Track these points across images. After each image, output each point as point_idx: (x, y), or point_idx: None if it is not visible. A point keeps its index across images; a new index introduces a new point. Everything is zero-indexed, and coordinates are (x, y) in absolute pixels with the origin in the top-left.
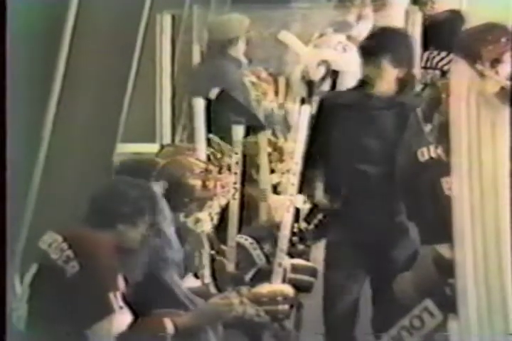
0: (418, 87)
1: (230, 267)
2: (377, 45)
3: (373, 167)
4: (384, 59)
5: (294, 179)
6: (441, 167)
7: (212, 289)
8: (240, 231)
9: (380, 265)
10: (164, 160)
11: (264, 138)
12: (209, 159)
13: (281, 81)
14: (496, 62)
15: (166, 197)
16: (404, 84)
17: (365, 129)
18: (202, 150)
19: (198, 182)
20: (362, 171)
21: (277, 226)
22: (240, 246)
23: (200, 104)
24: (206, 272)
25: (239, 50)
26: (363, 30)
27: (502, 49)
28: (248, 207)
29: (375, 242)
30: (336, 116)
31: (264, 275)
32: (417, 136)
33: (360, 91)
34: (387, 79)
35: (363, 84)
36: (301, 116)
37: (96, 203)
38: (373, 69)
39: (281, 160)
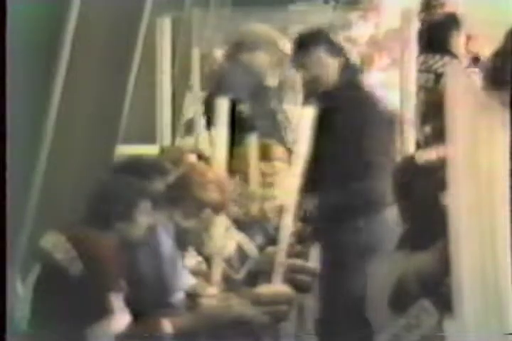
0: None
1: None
2: (309, 40)
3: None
4: (319, 50)
5: (295, 180)
6: (438, 169)
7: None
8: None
9: None
10: (174, 167)
11: (253, 140)
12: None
13: None
14: None
15: (177, 205)
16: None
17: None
18: (222, 152)
19: (212, 194)
20: None
21: (267, 219)
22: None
23: (224, 105)
24: (216, 276)
25: None
26: (362, 31)
27: None
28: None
29: None
30: None
31: (259, 272)
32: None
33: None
34: (330, 71)
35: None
36: (304, 118)
37: (91, 205)
38: (312, 62)
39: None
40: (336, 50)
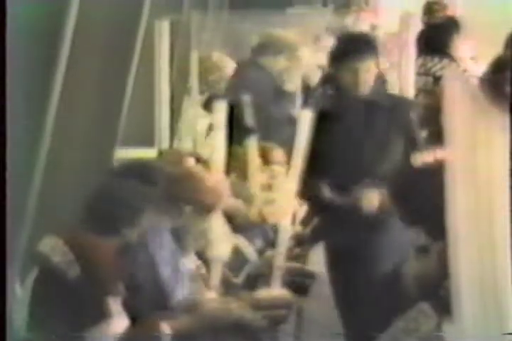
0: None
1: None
2: (365, 46)
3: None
4: (370, 59)
5: (294, 183)
6: (436, 172)
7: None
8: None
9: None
10: (171, 169)
11: (252, 143)
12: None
13: None
14: None
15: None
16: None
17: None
18: (220, 154)
19: (205, 195)
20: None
21: (267, 222)
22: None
23: (221, 108)
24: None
25: None
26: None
27: None
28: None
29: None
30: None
31: (258, 276)
32: (411, 141)
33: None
34: (370, 78)
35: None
36: (302, 120)
37: (94, 210)
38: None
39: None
40: (377, 58)
